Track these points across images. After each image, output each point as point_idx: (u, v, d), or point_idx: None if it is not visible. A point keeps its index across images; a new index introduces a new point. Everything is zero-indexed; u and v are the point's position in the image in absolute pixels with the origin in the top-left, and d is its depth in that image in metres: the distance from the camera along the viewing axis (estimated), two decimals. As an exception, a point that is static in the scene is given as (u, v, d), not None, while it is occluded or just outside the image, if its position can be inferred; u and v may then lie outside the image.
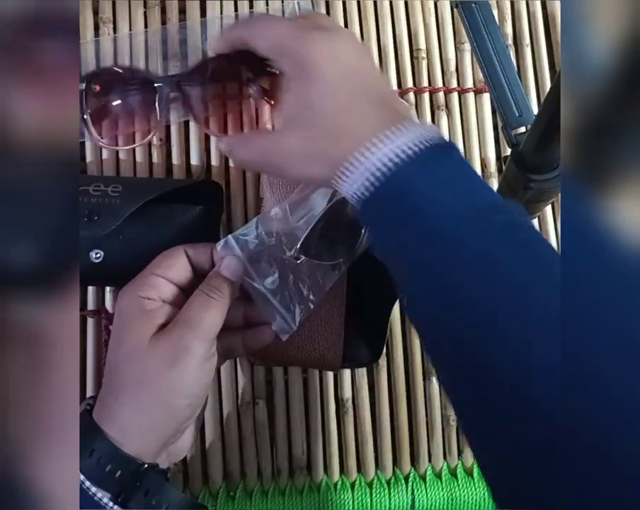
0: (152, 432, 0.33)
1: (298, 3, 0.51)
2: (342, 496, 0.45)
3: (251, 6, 0.51)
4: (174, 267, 0.35)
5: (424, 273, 0.28)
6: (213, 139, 0.48)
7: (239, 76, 0.42)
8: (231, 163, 0.48)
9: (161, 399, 0.32)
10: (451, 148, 0.29)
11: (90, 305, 0.46)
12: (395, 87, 0.50)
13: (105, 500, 0.31)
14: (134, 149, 0.48)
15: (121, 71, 0.43)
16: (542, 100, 0.34)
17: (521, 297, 0.25)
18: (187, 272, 0.36)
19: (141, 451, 0.32)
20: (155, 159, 0.48)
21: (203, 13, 0.51)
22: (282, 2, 0.51)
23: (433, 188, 0.28)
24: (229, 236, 0.37)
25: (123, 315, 0.34)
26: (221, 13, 0.50)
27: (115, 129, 0.45)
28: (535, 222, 0.48)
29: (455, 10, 0.39)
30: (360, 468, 0.46)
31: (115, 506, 0.31)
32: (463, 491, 0.45)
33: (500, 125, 0.37)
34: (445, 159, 0.29)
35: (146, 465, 0.32)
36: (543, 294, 0.25)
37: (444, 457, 0.46)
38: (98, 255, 0.41)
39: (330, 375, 0.46)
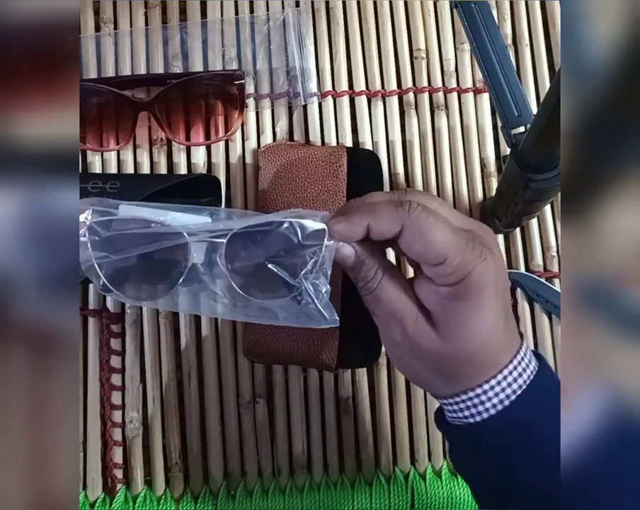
0: None
1: (297, 6, 0.51)
2: (342, 495, 0.45)
3: (251, 7, 0.51)
4: None
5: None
6: (214, 137, 0.48)
7: (199, 97, 0.48)
8: (231, 160, 0.49)
9: None
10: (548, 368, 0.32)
11: (92, 305, 0.46)
12: (395, 87, 0.50)
13: None
14: (135, 149, 0.49)
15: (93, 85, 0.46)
16: (541, 99, 0.34)
17: None
18: None
19: None
20: (156, 157, 0.48)
21: (204, 13, 0.51)
22: (282, 3, 0.51)
23: (549, 417, 0.29)
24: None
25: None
26: (221, 15, 0.51)
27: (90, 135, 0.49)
28: (535, 221, 0.48)
29: (455, 10, 0.39)
30: (359, 467, 0.46)
31: None
32: (463, 490, 0.45)
33: (499, 124, 0.37)
34: (551, 383, 0.31)
35: None
36: None
37: (444, 456, 0.46)
38: (99, 254, 0.42)
39: (331, 374, 0.46)
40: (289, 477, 0.46)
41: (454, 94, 0.50)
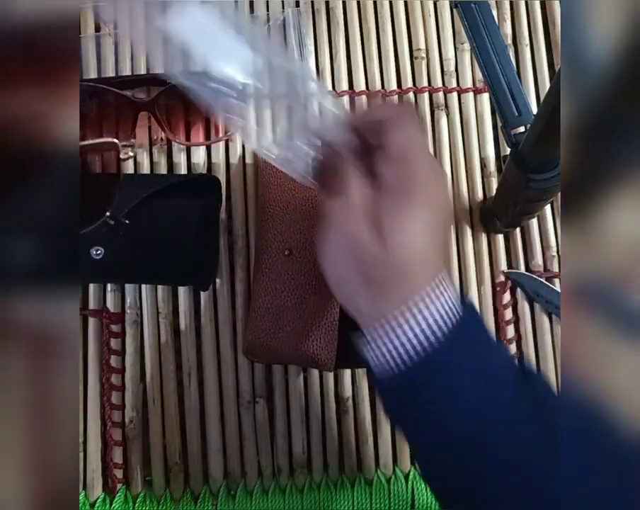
0: None
1: (297, 6, 0.51)
2: (342, 495, 0.45)
3: (252, 7, 0.51)
4: None
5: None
6: (214, 137, 0.48)
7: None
8: (231, 160, 0.49)
9: None
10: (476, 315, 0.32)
11: (92, 305, 0.46)
12: (395, 87, 0.50)
13: None
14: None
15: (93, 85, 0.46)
16: (541, 99, 0.34)
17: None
18: None
19: None
20: (156, 157, 0.48)
21: (203, 13, 0.51)
22: (282, 3, 0.51)
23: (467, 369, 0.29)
24: None
25: None
26: (221, 14, 0.51)
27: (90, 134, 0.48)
28: (535, 221, 0.48)
29: (455, 10, 0.39)
30: (359, 467, 0.46)
31: None
32: (463, 490, 0.45)
33: (499, 124, 0.37)
34: (476, 334, 0.31)
35: None
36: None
37: (444, 456, 0.46)
38: (99, 252, 0.42)
39: (331, 374, 0.46)
40: (289, 477, 0.46)
41: (454, 94, 0.50)
